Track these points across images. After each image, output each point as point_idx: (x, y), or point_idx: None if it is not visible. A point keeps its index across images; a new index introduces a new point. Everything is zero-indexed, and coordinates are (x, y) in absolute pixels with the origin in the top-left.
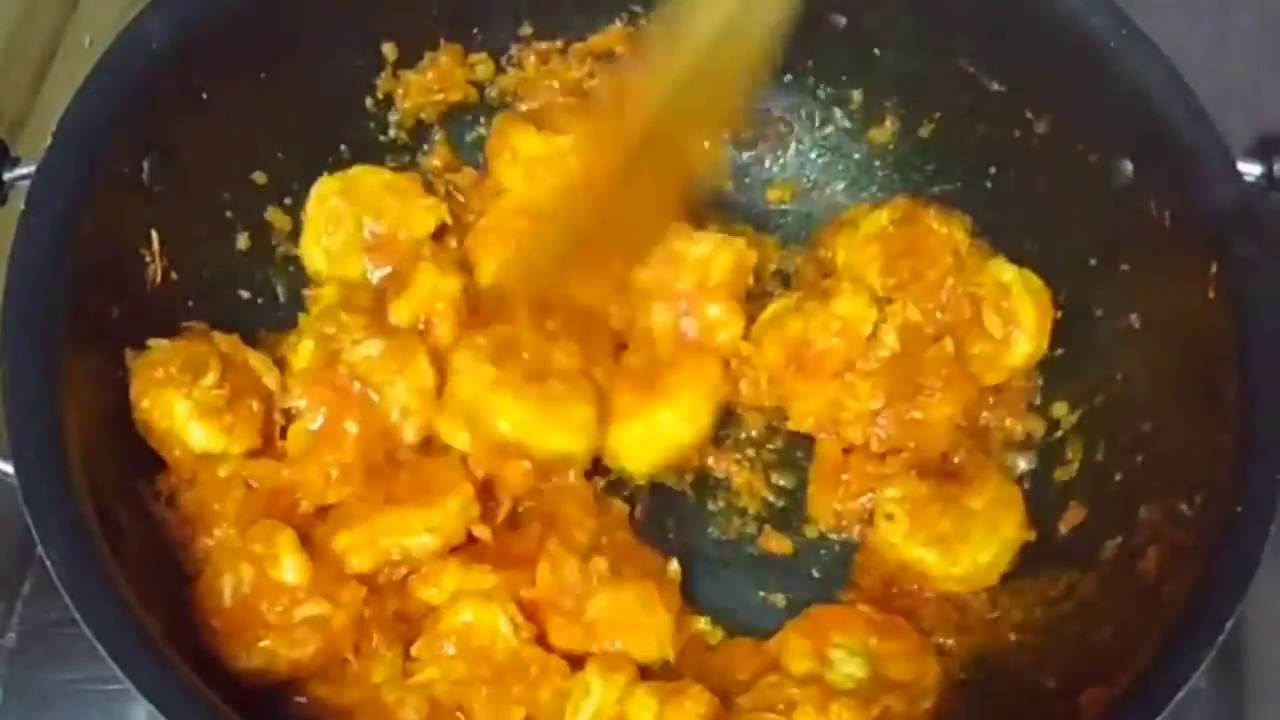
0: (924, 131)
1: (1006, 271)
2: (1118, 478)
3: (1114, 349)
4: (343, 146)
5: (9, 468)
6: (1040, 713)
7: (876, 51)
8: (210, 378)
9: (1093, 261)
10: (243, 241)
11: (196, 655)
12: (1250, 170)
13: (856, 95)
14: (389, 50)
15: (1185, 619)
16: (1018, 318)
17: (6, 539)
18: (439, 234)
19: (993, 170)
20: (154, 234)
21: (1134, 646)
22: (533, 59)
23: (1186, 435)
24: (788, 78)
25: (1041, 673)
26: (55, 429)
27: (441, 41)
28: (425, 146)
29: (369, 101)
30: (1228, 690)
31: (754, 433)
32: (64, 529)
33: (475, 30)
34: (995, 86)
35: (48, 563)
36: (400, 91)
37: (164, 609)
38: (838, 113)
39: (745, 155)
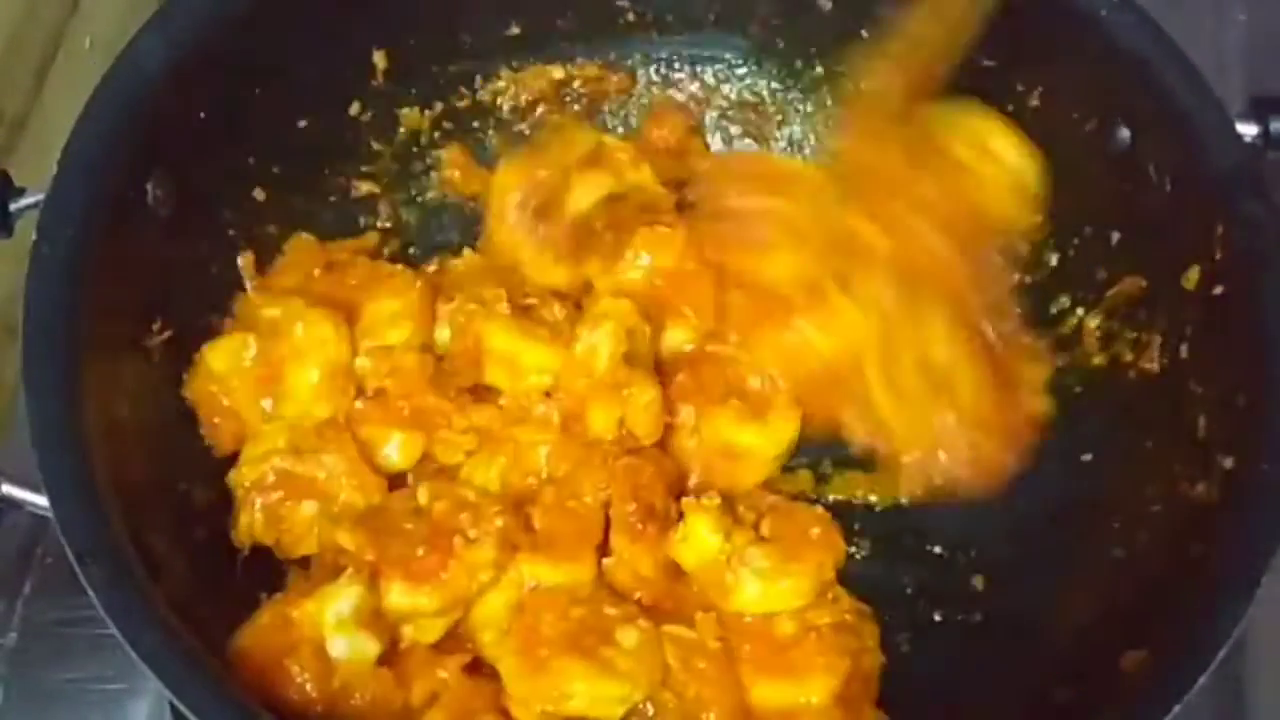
0: None
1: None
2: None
3: (1124, 315)
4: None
5: (39, 499)
6: (1077, 673)
7: (864, 34)
8: None
9: (1091, 229)
10: (245, 259)
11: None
12: (1247, 131)
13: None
14: (380, 59)
15: (1220, 575)
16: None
17: (7, 539)
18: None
19: None
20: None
21: (1171, 605)
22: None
23: (1203, 396)
24: (773, 63)
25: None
26: (86, 462)
27: (435, 53)
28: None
29: (365, 115)
30: (1228, 685)
31: None
32: (105, 562)
33: (466, 39)
34: (986, 62)
35: (91, 593)
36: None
37: (205, 626)
38: (827, 95)
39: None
